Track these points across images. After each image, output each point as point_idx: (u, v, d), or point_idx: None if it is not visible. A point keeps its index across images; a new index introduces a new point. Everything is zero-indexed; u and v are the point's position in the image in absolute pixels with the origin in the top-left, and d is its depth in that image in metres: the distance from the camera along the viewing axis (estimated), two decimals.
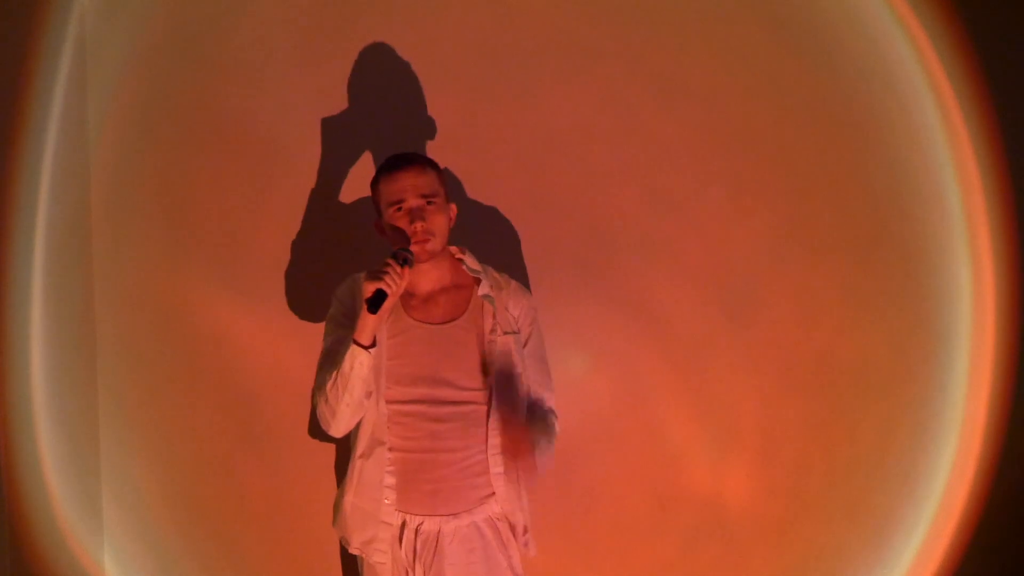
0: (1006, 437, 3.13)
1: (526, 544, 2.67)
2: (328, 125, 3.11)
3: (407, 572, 2.59)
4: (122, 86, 3.13)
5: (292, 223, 3.12)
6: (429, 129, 3.10)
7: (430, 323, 2.60)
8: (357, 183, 3.09)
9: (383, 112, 3.10)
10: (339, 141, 3.11)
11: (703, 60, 3.08)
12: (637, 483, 3.15)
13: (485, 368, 2.60)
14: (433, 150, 3.08)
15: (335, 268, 3.12)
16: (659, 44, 3.08)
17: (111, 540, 3.21)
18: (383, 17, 3.09)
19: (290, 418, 3.16)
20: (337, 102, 3.10)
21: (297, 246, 3.12)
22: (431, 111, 3.09)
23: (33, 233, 2.97)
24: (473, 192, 3.10)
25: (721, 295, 3.12)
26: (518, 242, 3.10)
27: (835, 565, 3.17)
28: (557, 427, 2.68)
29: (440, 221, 2.56)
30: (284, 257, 3.13)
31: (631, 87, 3.08)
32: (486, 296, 2.62)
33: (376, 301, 2.41)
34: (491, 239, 3.09)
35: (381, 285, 2.41)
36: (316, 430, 3.16)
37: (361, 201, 3.09)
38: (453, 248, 2.69)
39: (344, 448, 3.16)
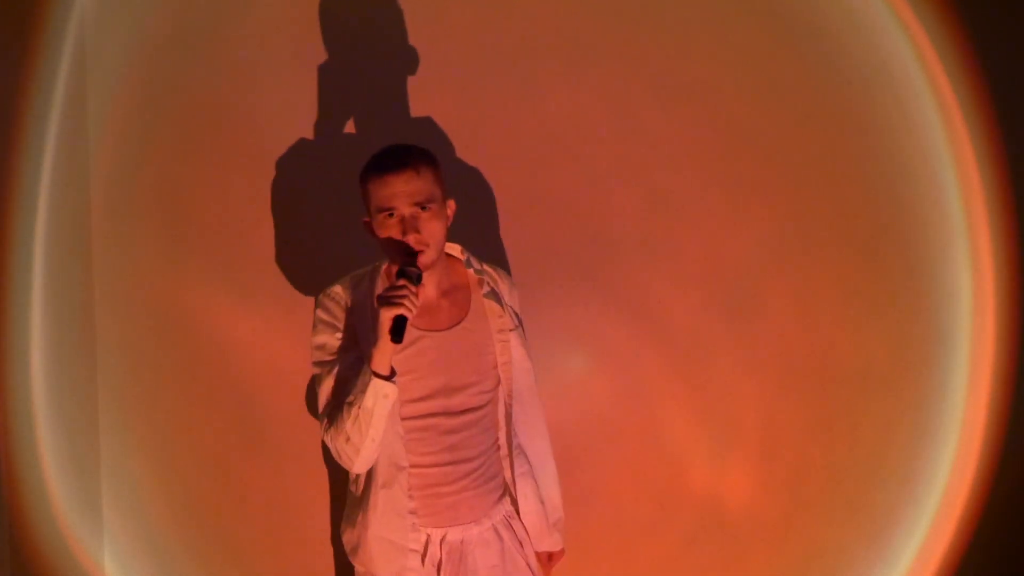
0: (1006, 437, 3.13)
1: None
2: (328, 125, 3.11)
3: None
4: (122, 86, 3.13)
5: (293, 223, 3.13)
6: (428, 129, 3.10)
7: (437, 330, 2.45)
8: (356, 182, 3.09)
9: (383, 112, 3.10)
10: (339, 141, 3.11)
11: (703, 60, 3.08)
12: (637, 483, 3.15)
13: (497, 368, 2.51)
14: (432, 150, 3.08)
15: (337, 267, 3.13)
16: (659, 44, 3.08)
17: (111, 540, 3.21)
18: (383, 17, 3.09)
19: (290, 418, 3.16)
20: (337, 102, 3.11)
21: (298, 245, 3.13)
22: (431, 111, 3.09)
23: (33, 233, 2.97)
24: (472, 192, 3.10)
25: (721, 295, 3.12)
26: (518, 242, 3.10)
27: (835, 565, 3.16)
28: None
29: (436, 228, 2.36)
30: (284, 257, 3.13)
31: (631, 87, 3.08)
32: (489, 295, 2.52)
33: (399, 328, 2.22)
34: (491, 239, 3.09)
35: (402, 311, 2.22)
36: (318, 433, 3.17)
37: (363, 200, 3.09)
38: (450, 247, 2.54)
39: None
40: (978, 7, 3.05)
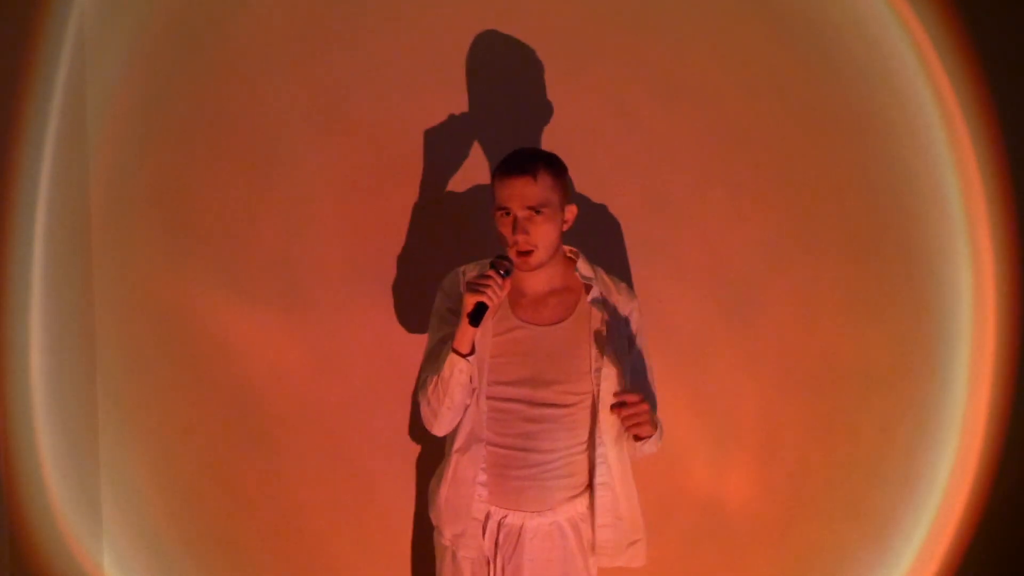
0: (1006, 437, 3.13)
1: (632, 557, 2.65)
2: (327, 124, 3.11)
3: (489, 563, 2.60)
4: (122, 86, 3.13)
5: (292, 223, 3.12)
6: (428, 129, 3.10)
7: (537, 324, 2.57)
8: (356, 182, 3.09)
9: (382, 111, 3.10)
10: (338, 140, 3.11)
11: (703, 60, 3.07)
12: (637, 483, 3.14)
13: (591, 374, 2.56)
14: (432, 150, 3.08)
15: (338, 267, 3.13)
16: (659, 44, 3.08)
17: (111, 540, 3.21)
18: (383, 17, 3.09)
19: (290, 418, 3.16)
20: (337, 102, 3.10)
21: (298, 245, 3.13)
22: (430, 110, 3.09)
23: (33, 233, 2.97)
24: (473, 192, 3.10)
25: (721, 295, 3.12)
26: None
27: (835, 565, 3.16)
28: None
29: (546, 232, 2.50)
30: (284, 257, 3.13)
31: (631, 87, 3.08)
32: (595, 301, 2.59)
33: (477, 314, 2.40)
34: (491, 239, 3.09)
35: (482, 298, 2.41)
36: (318, 433, 3.17)
37: (363, 200, 3.09)
38: (567, 248, 2.65)
39: (348, 447, 3.17)
40: (978, 7, 3.05)
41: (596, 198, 3.10)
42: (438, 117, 3.09)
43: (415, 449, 3.15)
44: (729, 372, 3.12)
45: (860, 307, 3.12)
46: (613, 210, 3.10)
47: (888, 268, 3.11)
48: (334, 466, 3.16)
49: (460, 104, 3.09)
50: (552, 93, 3.08)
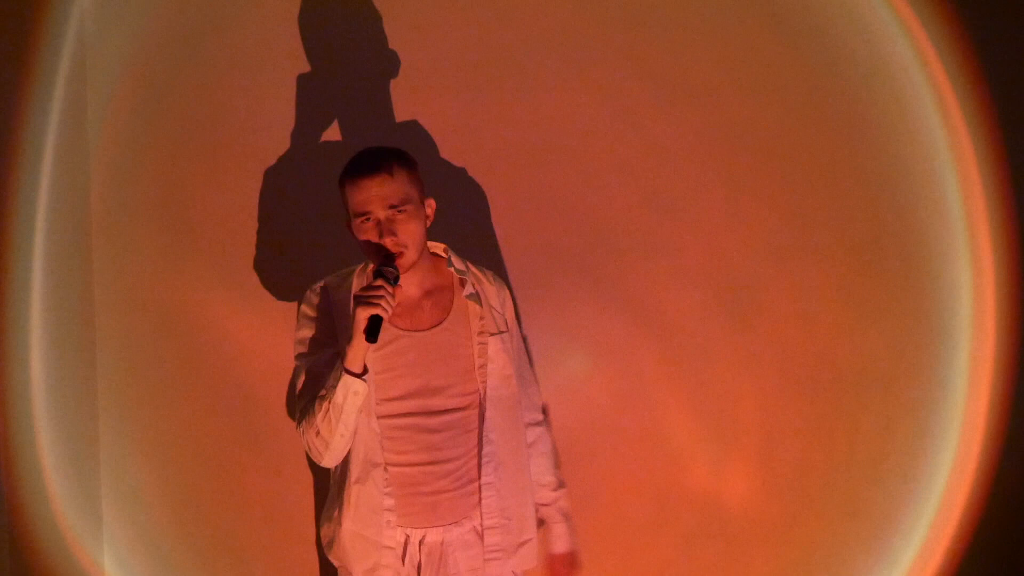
0: (1006, 437, 3.12)
1: (523, 559, 2.57)
2: (328, 125, 3.11)
3: None
4: (122, 86, 3.14)
5: (292, 223, 3.13)
6: (429, 129, 3.10)
7: (418, 330, 2.45)
8: None
9: (384, 112, 3.10)
10: (340, 141, 3.11)
11: (703, 60, 3.08)
12: (637, 483, 3.15)
13: (475, 372, 2.47)
14: (432, 150, 3.08)
15: (337, 267, 3.13)
16: (659, 44, 3.08)
17: (111, 540, 3.21)
18: (383, 17, 3.09)
19: (289, 418, 3.15)
20: (337, 102, 3.11)
21: (298, 245, 3.13)
22: (431, 111, 3.09)
23: (33, 233, 2.97)
24: (472, 192, 3.10)
25: (721, 295, 3.12)
26: (517, 242, 3.10)
27: (835, 565, 3.16)
28: (551, 436, 2.75)
29: (413, 229, 2.36)
30: (284, 257, 3.13)
31: (631, 87, 3.08)
32: (471, 296, 2.50)
33: (374, 328, 2.24)
34: (490, 239, 3.09)
35: (377, 311, 2.24)
36: None
37: None
38: (435, 245, 2.54)
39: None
40: (978, 7, 3.05)
41: (596, 198, 3.10)
42: (439, 118, 3.10)
43: None
44: (729, 372, 3.12)
45: (860, 307, 3.12)
46: (613, 210, 3.10)
47: (888, 268, 3.11)
48: (317, 467, 3.15)
49: (460, 104, 3.09)
50: (552, 93, 3.08)
